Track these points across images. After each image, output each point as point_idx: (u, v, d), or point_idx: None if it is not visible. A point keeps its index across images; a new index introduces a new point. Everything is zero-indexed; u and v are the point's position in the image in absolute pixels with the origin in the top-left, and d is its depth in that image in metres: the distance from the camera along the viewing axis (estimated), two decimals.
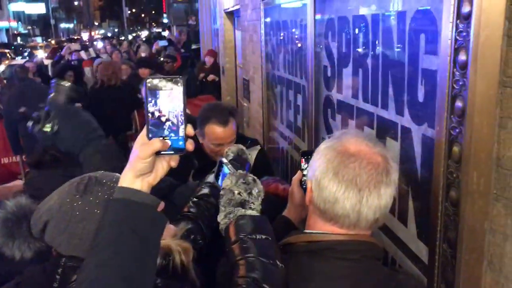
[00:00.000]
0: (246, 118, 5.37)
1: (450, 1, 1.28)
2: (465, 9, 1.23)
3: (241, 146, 2.09)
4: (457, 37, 1.27)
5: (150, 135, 1.06)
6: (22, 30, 51.05)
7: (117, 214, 1.06)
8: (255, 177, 1.62)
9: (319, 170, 1.29)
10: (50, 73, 11.39)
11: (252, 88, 5.00)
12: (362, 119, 2.02)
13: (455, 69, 1.29)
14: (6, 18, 45.54)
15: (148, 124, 1.06)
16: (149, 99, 1.05)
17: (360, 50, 2.02)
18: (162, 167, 1.11)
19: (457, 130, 1.31)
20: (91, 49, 13.57)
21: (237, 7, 5.72)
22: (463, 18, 1.24)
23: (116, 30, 68.40)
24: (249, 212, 1.49)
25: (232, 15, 6.99)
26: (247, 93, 5.31)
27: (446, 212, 1.38)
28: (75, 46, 16.19)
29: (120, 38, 30.42)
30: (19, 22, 50.97)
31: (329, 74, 2.40)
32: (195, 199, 1.91)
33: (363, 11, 1.98)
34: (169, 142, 1.06)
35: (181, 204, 1.96)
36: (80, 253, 1.37)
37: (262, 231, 1.42)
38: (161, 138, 1.06)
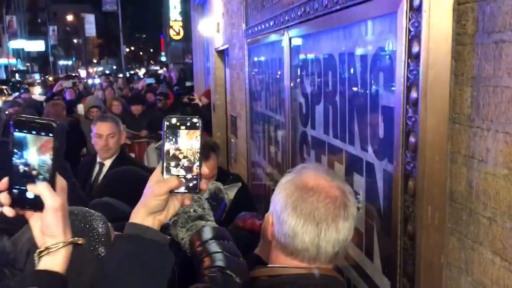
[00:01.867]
0: (234, 154, 5.40)
1: (402, 41, 1.33)
2: (415, 49, 1.28)
3: (219, 184, 2.12)
4: (409, 75, 1.32)
5: (165, 173, 1.07)
6: (20, 67, 51.66)
7: (126, 249, 1.05)
8: (199, 195, 1.69)
9: (279, 205, 1.31)
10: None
11: (239, 124, 5.06)
12: (333, 155, 2.05)
13: (408, 106, 1.33)
14: (6, 55, 46.15)
15: (164, 162, 1.06)
16: (167, 137, 1.05)
17: (329, 88, 2.08)
18: (173, 206, 1.10)
19: (411, 165, 1.34)
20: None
21: (226, 46, 5.85)
22: (413, 57, 1.29)
23: (114, 67, 69.34)
24: (209, 223, 1.56)
25: (223, 53, 7.13)
26: (235, 129, 5.36)
27: (405, 247, 1.39)
28: (66, 83, 16.42)
29: (118, 76, 30.80)
30: (18, 59, 51.64)
31: (304, 111, 2.45)
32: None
33: (331, 50, 2.05)
34: (183, 181, 1.06)
35: None
36: None
37: (224, 237, 1.49)
38: (177, 176, 1.06)
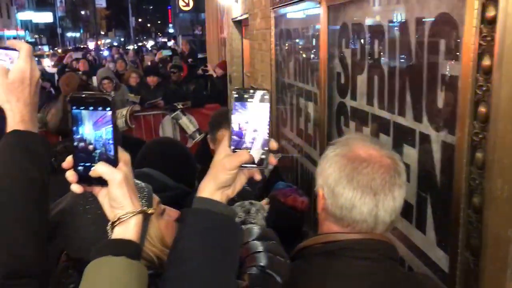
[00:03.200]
0: None
1: (474, 6, 1.27)
2: (490, 13, 1.21)
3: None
4: (481, 42, 1.26)
5: (233, 147, 1.03)
6: (29, 38, 51.44)
7: (198, 224, 1.02)
8: (252, 201, 1.67)
9: (331, 178, 1.28)
10: (56, 81, 11.48)
11: None
12: (378, 126, 2.00)
13: (478, 75, 1.28)
14: (14, 27, 45.99)
15: (232, 135, 1.03)
16: (236, 109, 1.01)
17: (375, 57, 2.01)
18: (240, 181, 1.07)
19: (480, 136, 1.29)
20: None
21: (245, 16, 5.73)
22: (487, 23, 1.23)
23: (122, 39, 68.92)
24: (249, 226, 1.54)
25: (240, 24, 7.01)
26: None
27: (469, 219, 1.36)
28: (76, 54, 16.33)
29: (126, 48, 30.61)
30: (27, 31, 51.43)
31: (342, 81, 2.39)
32: None
33: (378, 17, 1.97)
34: (252, 155, 1.03)
35: None
36: (88, 256, 1.35)
37: (268, 238, 1.46)
38: (247, 150, 1.02)
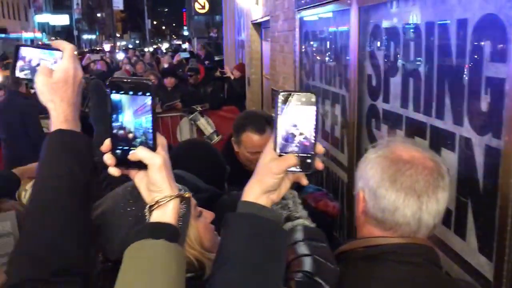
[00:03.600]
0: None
1: None
2: None
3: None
4: None
5: (279, 150, 1.01)
6: (46, 41, 52.15)
7: (244, 230, 1.00)
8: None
9: (373, 180, 1.26)
10: None
11: None
12: (413, 129, 1.97)
13: None
14: (32, 29, 46.62)
15: (277, 138, 1.01)
16: (282, 112, 1.00)
17: (410, 59, 1.98)
18: (285, 185, 1.05)
19: None
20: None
21: (266, 18, 5.72)
22: None
23: (137, 41, 69.42)
24: (297, 222, 1.48)
25: (259, 26, 7.00)
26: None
27: None
28: (95, 56, 16.47)
29: (144, 50, 30.83)
30: (44, 33, 52.12)
31: (374, 83, 2.36)
32: None
33: (414, 19, 1.94)
34: (299, 159, 1.01)
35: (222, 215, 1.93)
36: None
37: (316, 239, 1.40)
38: (294, 154, 1.01)
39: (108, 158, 0.98)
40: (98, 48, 47.03)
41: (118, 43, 57.11)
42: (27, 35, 45.40)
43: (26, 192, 2.52)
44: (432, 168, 1.24)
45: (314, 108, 1.00)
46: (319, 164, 1.04)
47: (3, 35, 41.08)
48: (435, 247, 1.33)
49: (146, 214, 1.02)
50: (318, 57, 3.41)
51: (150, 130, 0.97)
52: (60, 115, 1.08)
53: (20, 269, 0.95)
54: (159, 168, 0.98)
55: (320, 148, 1.03)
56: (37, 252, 0.96)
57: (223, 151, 2.99)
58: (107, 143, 0.99)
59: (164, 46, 54.61)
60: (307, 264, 1.25)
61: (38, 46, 1.11)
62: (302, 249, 1.32)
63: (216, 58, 14.37)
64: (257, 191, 1.03)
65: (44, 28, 52.76)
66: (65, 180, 1.04)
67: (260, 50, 7.13)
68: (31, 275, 0.93)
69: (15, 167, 3.09)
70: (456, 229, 1.70)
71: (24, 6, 47.21)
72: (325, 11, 3.05)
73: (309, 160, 1.02)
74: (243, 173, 2.69)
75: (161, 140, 1.01)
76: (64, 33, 57.86)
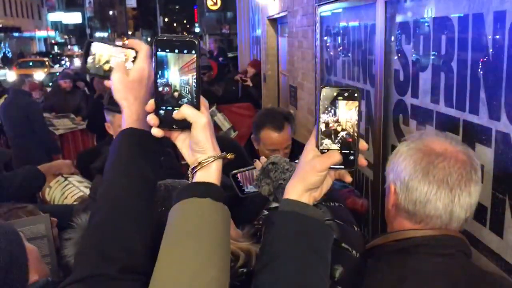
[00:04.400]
0: (294, 125, 5.30)
1: None
2: None
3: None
4: None
5: (321, 147, 1.00)
6: (59, 39, 52.59)
7: (288, 228, 1.00)
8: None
9: (405, 172, 1.26)
10: (88, 80, 11.63)
11: (300, 94, 4.95)
12: (445, 124, 1.93)
13: None
14: (45, 27, 47.02)
15: (320, 134, 1.00)
16: (324, 108, 0.99)
17: (442, 53, 1.95)
18: (327, 183, 1.04)
19: None
20: None
21: (283, 13, 5.69)
22: None
23: (148, 39, 69.66)
24: None
25: (275, 22, 6.97)
26: (294, 100, 5.26)
27: None
28: None
29: None
30: (56, 32, 52.55)
31: (401, 78, 2.33)
32: (267, 212, 1.87)
33: (445, 12, 1.91)
34: (342, 156, 1.00)
35: (249, 210, 1.92)
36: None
37: (333, 199, 1.42)
38: (338, 151, 1.00)
39: (152, 118, 0.98)
40: None
41: None
42: (40, 33, 45.83)
43: (50, 189, 2.54)
44: (465, 161, 1.23)
45: (356, 103, 0.99)
46: (362, 161, 1.03)
47: (17, 34, 41.49)
48: (466, 239, 1.31)
49: (189, 175, 1.01)
50: (340, 53, 3.37)
51: (195, 87, 0.96)
52: (133, 114, 1.08)
53: (87, 264, 0.94)
54: (203, 127, 0.97)
55: (363, 144, 1.02)
56: (106, 248, 0.95)
57: (247, 149, 2.99)
58: (151, 103, 0.99)
59: None
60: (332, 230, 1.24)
61: (110, 43, 1.09)
62: (323, 211, 1.31)
63: (230, 55, 14.35)
64: (299, 189, 1.02)
65: (57, 26, 53.18)
66: (136, 179, 1.04)
67: (276, 46, 7.10)
68: (99, 271, 0.92)
69: (24, 163, 3.11)
70: (492, 226, 1.66)
71: (37, 5, 47.64)
72: (348, 5, 3.01)
73: (352, 157, 1.01)
74: None
75: (204, 102, 1.01)
76: (77, 31, 58.29)
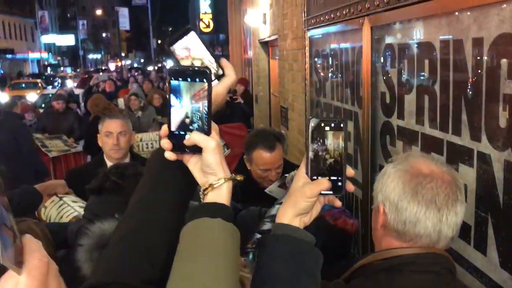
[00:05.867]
0: (285, 145, 5.36)
1: None
2: None
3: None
4: None
5: (310, 174, 1.06)
6: (52, 61, 52.72)
7: (281, 251, 1.05)
8: None
9: (394, 193, 1.31)
10: (81, 102, 11.67)
11: (291, 115, 5.02)
12: (429, 146, 1.99)
13: None
14: (38, 49, 47.16)
15: (310, 162, 1.06)
16: (313, 138, 1.05)
17: (425, 76, 2.01)
18: (316, 208, 1.10)
19: None
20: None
21: (274, 37, 5.80)
22: None
23: (142, 60, 69.98)
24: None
25: (266, 45, 7.08)
26: (285, 121, 5.32)
27: None
28: (102, 76, 16.67)
29: (148, 69, 31.07)
30: (50, 53, 52.70)
31: (387, 100, 2.40)
32: (259, 236, 1.91)
33: (428, 37, 1.98)
34: (331, 182, 1.06)
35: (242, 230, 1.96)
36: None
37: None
38: (327, 179, 1.06)
39: (165, 143, 1.03)
40: (103, 68, 47.47)
41: (123, 62, 57.69)
42: (33, 55, 45.93)
43: (45, 209, 2.56)
44: (451, 181, 1.29)
45: (342, 133, 1.06)
46: (350, 186, 1.09)
47: (10, 56, 41.57)
48: (450, 257, 1.36)
49: (200, 197, 1.06)
50: (329, 75, 3.45)
51: (206, 113, 1.02)
52: None
53: (111, 270, 0.98)
54: (213, 151, 1.02)
55: (350, 171, 1.09)
56: (133, 258, 0.99)
57: (237, 169, 3.02)
58: (164, 128, 1.04)
59: (169, 64, 54.96)
60: (274, 210, 1.30)
61: (207, 46, 1.12)
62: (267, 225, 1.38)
63: None
64: (290, 214, 1.08)
65: (50, 48, 53.37)
66: (171, 196, 1.08)
67: (267, 68, 7.21)
68: (123, 279, 0.96)
69: (12, 186, 3.12)
70: (476, 244, 1.71)
71: (31, 27, 47.88)
72: (336, 30, 3.10)
73: (340, 183, 1.07)
74: (256, 190, 2.72)
75: (214, 125, 1.06)
76: (70, 53, 58.51)
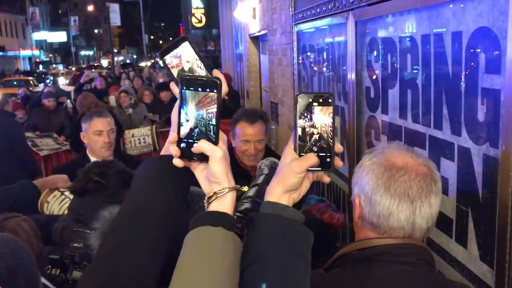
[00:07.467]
0: (274, 140, 5.37)
1: None
2: None
3: (273, 159, 2.09)
4: None
5: (299, 150, 1.06)
6: (44, 58, 52.35)
7: (270, 230, 1.04)
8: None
9: (368, 186, 1.32)
10: (72, 100, 11.58)
11: (281, 111, 5.02)
12: (412, 140, 2.00)
13: None
14: (29, 46, 46.81)
15: (297, 139, 1.06)
16: (302, 114, 1.05)
17: (408, 71, 2.02)
18: (305, 185, 1.10)
19: None
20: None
21: (264, 31, 5.79)
22: None
23: (134, 56, 69.70)
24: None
25: (257, 40, 7.07)
26: (275, 116, 5.32)
27: None
28: (93, 74, 16.58)
29: (140, 65, 30.93)
30: (41, 50, 52.33)
31: (372, 95, 2.40)
32: (238, 214, 1.91)
33: (410, 32, 1.99)
34: (319, 158, 1.06)
35: None
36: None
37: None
38: (315, 154, 1.06)
39: (174, 150, 1.05)
40: (95, 64, 47.21)
41: (115, 58, 57.40)
42: (25, 52, 45.60)
43: (48, 204, 2.56)
44: (425, 173, 1.29)
45: (331, 108, 1.05)
46: (338, 162, 1.09)
47: (1, 53, 41.25)
48: (428, 248, 1.37)
49: (204, 204, 1.08)
50: (316, 70, 3.45)
51: (214, 123, 1.04)
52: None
53: (95, 281, 0.99)
54: (219, 160, 1.04)
55: (339, 147, 1.08)
56: (119, 271, 0.99)
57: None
58: (173, 136, 1.06)
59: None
60: (251, 191, 1.31)
61: (199, 55, 1.11)
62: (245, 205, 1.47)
63: None
64: (279, 191, 1.07)
65: (42, 45, 53.00)
66: (160, 205, 1.07)
67: (258, 63, 7.20)
68: None
69: (3, 183, 3.11)
70: (457, 237, 1.72)
71: (22, 24, 47.50)
72: (322, 25, 3.10)
73: (328, 159, 1.06)
74: (239, 170, 2.78)
75: (222, 135, 1.07)
76: (62, 50, 58.15)
